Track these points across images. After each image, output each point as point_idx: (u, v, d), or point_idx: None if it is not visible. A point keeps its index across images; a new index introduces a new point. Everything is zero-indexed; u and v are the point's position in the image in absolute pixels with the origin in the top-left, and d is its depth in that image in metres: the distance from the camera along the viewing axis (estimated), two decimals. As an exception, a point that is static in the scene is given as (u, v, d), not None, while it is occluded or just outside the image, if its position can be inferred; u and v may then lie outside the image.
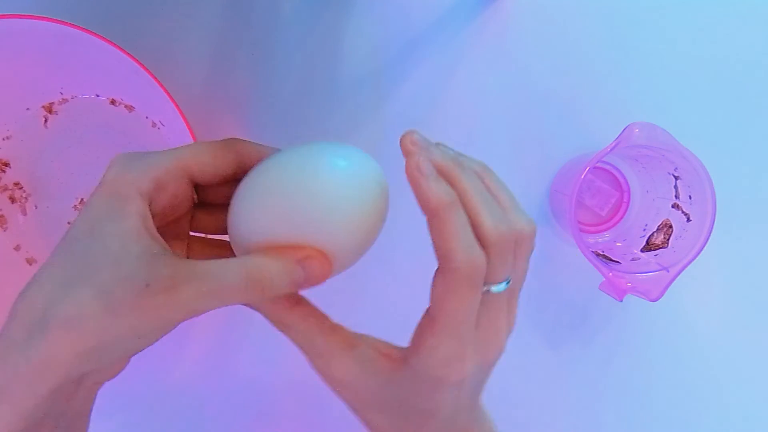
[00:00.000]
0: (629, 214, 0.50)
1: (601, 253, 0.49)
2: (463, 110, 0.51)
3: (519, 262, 0.28)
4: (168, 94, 0.41)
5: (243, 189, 0.27)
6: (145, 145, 0.50)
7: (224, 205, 0.30)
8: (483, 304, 0.27)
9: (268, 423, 0.51)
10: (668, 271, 0.43)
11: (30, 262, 0.50)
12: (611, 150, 0.41)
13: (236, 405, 0.51)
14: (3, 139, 0.49)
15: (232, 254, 0.30)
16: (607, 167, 0.50)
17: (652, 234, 0.47)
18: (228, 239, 0.29)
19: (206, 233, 0.31)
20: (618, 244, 0.50)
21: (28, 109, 0.49)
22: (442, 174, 0.26)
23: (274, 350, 0.50)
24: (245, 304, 0.27)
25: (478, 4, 0.50)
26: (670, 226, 0.46)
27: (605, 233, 0.51)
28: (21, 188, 0.50)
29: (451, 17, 0.50)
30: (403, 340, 0.29)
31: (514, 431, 0.51)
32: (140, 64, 0.41)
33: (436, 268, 0.26)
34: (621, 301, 0.43)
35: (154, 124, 0.50)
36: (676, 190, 0.45)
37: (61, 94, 0.49)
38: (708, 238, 0.42)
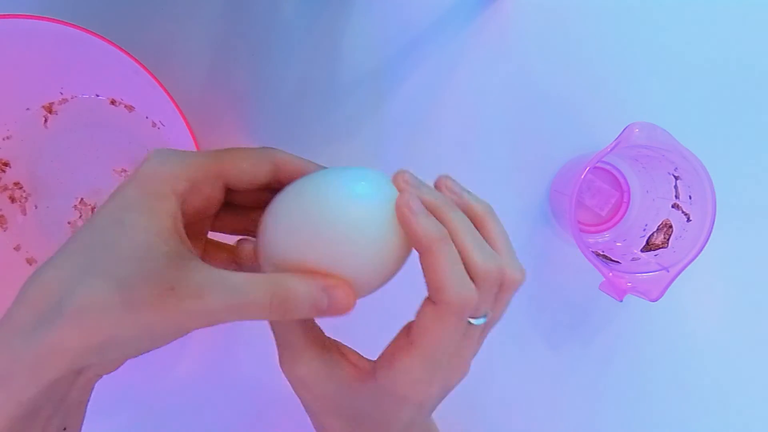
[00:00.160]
0: (629, 214, 0.50)
1: (601, 253, 0.49)
2: (463, 110, 0.51)
3: (500, 303, 0.28)
4: (168, 94, 0.41)
5: (277, 206, 0.27)
6: (145, 145, 0.50)
7: (250, 208, 0.30)
8: None
9: (268, 423, 0.51)
10: (668, 271, 0.43)
11: (30, 262, 0.50)
12: (611, 150, 0.41)
13: (236, 405, 0.51)
14: (3, 139, 0.49)
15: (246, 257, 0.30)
16: (607, 167, 0.50)
17: (652, 234, 0.47)
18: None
19: (227, 233, 0.31)
20: (618, 244, 0.50)
21: (28, 109, 0.49)
22: (433, 212, 0.27)
23: (274, 350, 0.50)
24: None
25: (478, 4, 0.50)
26: (670, 226, 0.46)
27: (605, 233, 0.51)
28: (21, 188, 0.50)
29: (451, 17, 0.50)
30: (372, 350, 0.29)
31: (514, 431, 0.51)
32: (140, 64, 0.41)
33: (425, 296, 0.27)
34: (621, 301, 0.43)
35: (154, 124, 0.50)
36: (676, 190, 0.45)
37: (61, 94, 0.49)
38: (708, 238, 0.42)
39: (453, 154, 0.51)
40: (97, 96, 0.49)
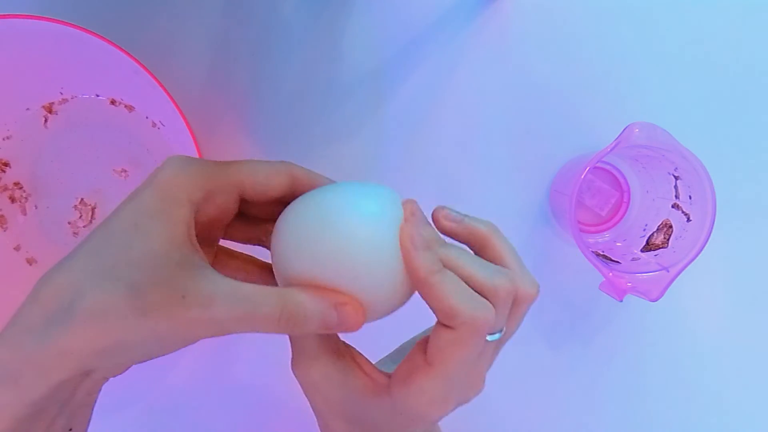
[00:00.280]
0: (629, 214, 0.50)
1: (601, 253, 0.49)
2: (463, 110, 0.51)
3: (514, 318, 0.28)
4: (168, 94, 0.41)
5: (291, 217, 0.27)
6: (145, 145, 0.50)
7: (262, 220, 0.30)
8: None
9: (268, 423, 0.51)
10: (668, 271, 0.43)
11: (30, 262, 0.51)
12: (611, 150, 0.41)
13: (236, 405, 0.51)
14: (3, 139, 0.49)
15: (256, 267, 0.31)
16: (607, 167, 0.50)
17: (652, 234, 0.47)
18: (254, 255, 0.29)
19: (239, 242, 0.31)
20: (618, 244, 0.50)
21: (28, 109, 0.49)
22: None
23: (274, 350, 0.50)
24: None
25: (478, 4, 0.50)
26: (670, 226, 0.46)
27: (605, 233, 0.51)
28: (21, 188, 0.50)
29: (451, 17, 0.50)
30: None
31: (515, 431, 0.51)
32: (140, 64, 0.41)
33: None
34: (621, 301, 0.43)
35: (154, 124, 0.50)
36: (676, 190, 0.45)
37: (61, 94, 0.49)
38: (708, 238, 0.42)
39: (453, 154, 0.51)
40: (97, 96, 0.49)
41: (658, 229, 0.47)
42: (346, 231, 0.26)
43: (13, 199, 0.50)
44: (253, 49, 0.50)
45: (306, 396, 0.29)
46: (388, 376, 0.28)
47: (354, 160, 0.50)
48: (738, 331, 0.51)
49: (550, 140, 0.50)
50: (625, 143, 0.41)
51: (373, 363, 0.30)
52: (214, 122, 0.50)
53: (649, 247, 0.47)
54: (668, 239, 0.46)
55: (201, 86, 0.50)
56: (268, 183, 0.28)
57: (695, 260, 0.42)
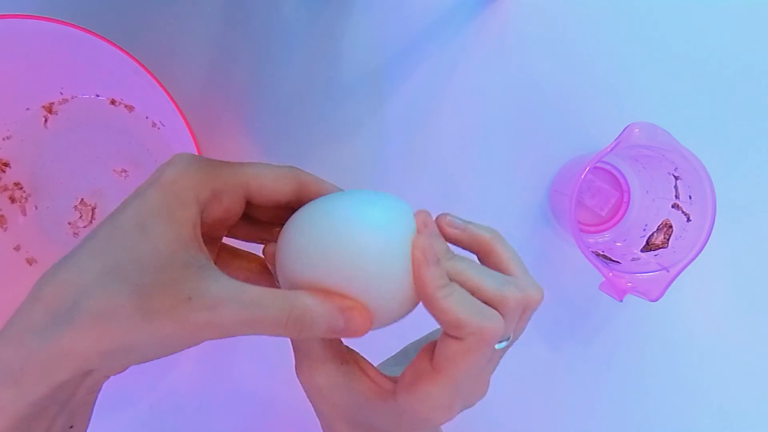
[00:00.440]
0: (629, 214, 0.50)
1: (601, 253, 0.49)
2: (463, 110, 0.51)
3: (520, 324, 0.28)
4: (168, 94, 0.41)
5: (301, 222, 0.27)
6: (145, 145, 0.50)
7: (267, 223, 0.30)
8: None
9: (268, 423, 0.51)
10: (668, 271, 0.43)
11: (30, 262, 0.51)
12: (611, 150, 0.41)
13: (237, 405, 0.51)
14: (3, 139, 0.49)
15: (259, 266, 0.31)
16: (607, 167, 0.50)
17: (652, 234, 0.47)
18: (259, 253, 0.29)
19: (242, 240, 0.31)
20: (618, 244, 0.50)
21: (28, 109, 0.49)
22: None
23: (275, 351, 0.50)
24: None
25: (478, 4, 0.50)
26: (670, 226, 0.46)
27: (605, 233, 0.51)
28: (21, 188, 0.50)
29: (451, 17, 0.50)
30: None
31: (515, 431, 0.51)
32: (140, 64, 0.41)
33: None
34: (621, 301, 0.43)
35: (154, 124, 0.50)
36: (676, 190, 0.45)
37: (61, 94, 0.49)
38: (708, 238, 0.42)
39: (453, 153, 0.51)
40: (97, 96, 0.49)
41: (658, 229, 0.47)
42: (358, 242, 0.25)
43: (13, 199, 0.50)
44: (253, 49, 0.50)
45: (310, 400, 0.29)
46: (392, 380, 0.28)
47: (354, 159, 0.51)
48: (738, 331, 0.51)
49: (550, 140, 0.50)
50: (625, 143, 0.41)
51: (376, 365, 0.30)
52: (214, 122, 0.50)
53: (649, 247, 0.47)
54: (668, 239, 0.46)
55: (201, 86, 0.50)
56: (274, 187, 0.27)
57: (695, 260, 0.42)
